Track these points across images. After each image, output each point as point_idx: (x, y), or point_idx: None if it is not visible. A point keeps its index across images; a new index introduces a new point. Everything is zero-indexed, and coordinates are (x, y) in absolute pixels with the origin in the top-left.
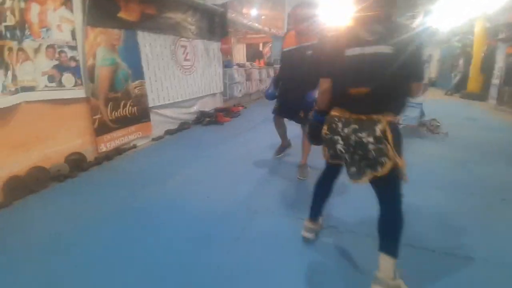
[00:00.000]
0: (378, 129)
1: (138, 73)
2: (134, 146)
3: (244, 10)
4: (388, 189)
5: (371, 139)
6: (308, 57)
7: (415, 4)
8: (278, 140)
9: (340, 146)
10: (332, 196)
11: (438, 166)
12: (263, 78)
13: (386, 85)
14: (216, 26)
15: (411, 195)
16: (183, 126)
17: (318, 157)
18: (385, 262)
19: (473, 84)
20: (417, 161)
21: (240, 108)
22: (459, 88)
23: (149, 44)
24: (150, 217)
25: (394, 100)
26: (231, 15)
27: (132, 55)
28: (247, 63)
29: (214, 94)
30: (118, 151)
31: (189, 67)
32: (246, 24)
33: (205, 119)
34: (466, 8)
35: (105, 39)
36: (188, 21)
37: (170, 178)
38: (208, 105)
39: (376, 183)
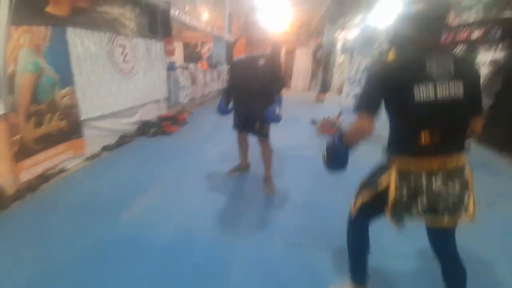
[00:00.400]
0: (465, 173)
1: (67, 78)
2: (64, 170)
3: (187, 8)
4: (453, 237)
5: (457, 187)
6: (261, 67)
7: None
8: (236, 150)
9: (420, 206)
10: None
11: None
12: (208, 81)
13: (460, 124)
14: (158, 23)
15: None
16: (124, 140)
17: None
18: None
19: None
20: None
21: (186, 114)
22: None
23: (82, 43)
24: (99, 269)
25: (465, 136)
26: (174, 12)
27: (60, 57)
28: (191, 65)
29: (157, 101)
30: (45, 178)
31: (129, 70)
32: (189, 23)
33: (149, 129)
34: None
35: (29, 39)
36: (126, 16)
37: (121, 208)
38: (151, 113)
39: (441, 233)
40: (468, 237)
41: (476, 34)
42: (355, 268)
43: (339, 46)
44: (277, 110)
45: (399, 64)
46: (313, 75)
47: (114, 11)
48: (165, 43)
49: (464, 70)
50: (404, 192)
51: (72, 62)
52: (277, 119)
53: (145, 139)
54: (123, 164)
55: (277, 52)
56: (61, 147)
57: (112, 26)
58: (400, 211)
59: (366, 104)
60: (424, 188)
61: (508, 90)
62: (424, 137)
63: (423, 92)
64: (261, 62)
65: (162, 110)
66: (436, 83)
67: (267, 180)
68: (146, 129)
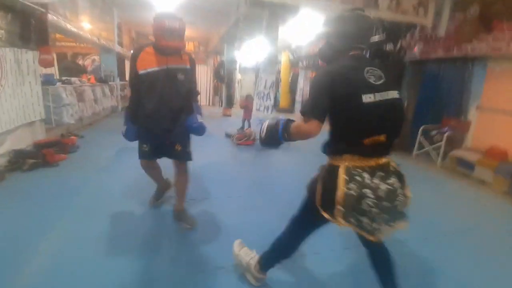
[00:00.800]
0: (393, 167)
1: None
2: None
3: (68, 14)
4: None
5: (399, 185)
6: (180, 82)
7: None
8: (147, 179)
9: (369, 201)
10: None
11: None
12: (99, 97)
13: (400, 129)
14: (32, 30)
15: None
16: None
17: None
18: None
19: (284, 102)
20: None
21: (74, 138)
22: (274, 105)
23: None
24: None
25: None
26: (52, 18)
27: None
28: (75, 79)
29: (31, 123)
30: None
31: None
32: (72, 31)
33: (25, 161)
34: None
35: None
36: None
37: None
38: (25, 140)
39: None
40: None
41: None
42: (272, 263)
43: (237, 65)
44: (199, 119)
45: (343, 74)
46: (215, 91)
47: None
48: (41, 52)
49: (395, 78)
50: (356, 186)
51: None
52: (201, 128)
53: (21, 175)
54: None
55: (194, 67)
56: None
57: None
58: (352, 211)
59: (315, 110)
60: (367, 182)
61: None
62: (365, 141)
63: (368, 99)
64: (181, 76)
65: (39, 134)
66: (377, 91)
67: (183, 213)
68: (19, 161)
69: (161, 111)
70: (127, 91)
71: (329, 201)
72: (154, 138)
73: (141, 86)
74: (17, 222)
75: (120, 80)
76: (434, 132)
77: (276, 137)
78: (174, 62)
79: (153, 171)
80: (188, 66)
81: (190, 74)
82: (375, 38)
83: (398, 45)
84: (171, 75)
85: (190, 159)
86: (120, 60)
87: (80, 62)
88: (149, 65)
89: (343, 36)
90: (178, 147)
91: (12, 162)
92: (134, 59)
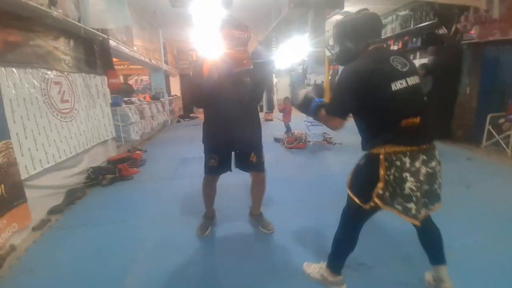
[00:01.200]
0: (437, 154)
1: (1, 130)
2: (13, 249)
3: (124, 38)
4: None
5: (439, 168)
6: (247, 85)
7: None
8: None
9: (410, 184)
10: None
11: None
12: (155, 114)
13: (427, 111)
14: (97, 56)
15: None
16: (75, 195)
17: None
18: (445, 271)
19: (324, 99)
20: (337, 169)
21: (140, 153)
22: None
23: (14, 84)
24: None
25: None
26: (112, 43)
27: None
28: (135, 99)
29: (104, 142)
30: None
31: (68, 110)
32: (131, 55)
33: (104, 176)
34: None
35: None
36: (61, 49)
37: None
38: (100, 157)
39: None
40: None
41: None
42: (339, 261)
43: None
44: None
45: (371, 67)
46: None
47: (48, 44)
48: (109, 76)
49: (413, 65)
50: (395, 170)
51: (5, 108)
52: (268, 56)
53: (101, 190)
54: (85, 230)
55: (258, 60)
56: (3, 220)
57: (45, 61)
58: (396, 197)
59: (339, 109)
60: (407, 166)
61: (438, 89)
62: (403, 124)
63: (399, 86)
64: (246, 79)
65: (111, 151)
66: (406, 77)
67: (260, 217)
68: (98, 176)
69: (231, 118)
70: (174, 105)
71: (362, 187)
72: (225, 148)
73: (206, 95)
74: (110, 236)
75: (168, 96)
76: (501, 120)
77: (307, 111)
78: (237, 67)
79: (212, 192)
80: (251, 67)
81: (254, 72)
82: (426, 23)
83: (453, 29)
84: (237, 80)
85: (263, 167)
86: (166, 77)
87: (130, 82)
88: (213, 72)
89: (359, 35)
90: (253, 157)
91: (92, 178)
92: (199, 67)
